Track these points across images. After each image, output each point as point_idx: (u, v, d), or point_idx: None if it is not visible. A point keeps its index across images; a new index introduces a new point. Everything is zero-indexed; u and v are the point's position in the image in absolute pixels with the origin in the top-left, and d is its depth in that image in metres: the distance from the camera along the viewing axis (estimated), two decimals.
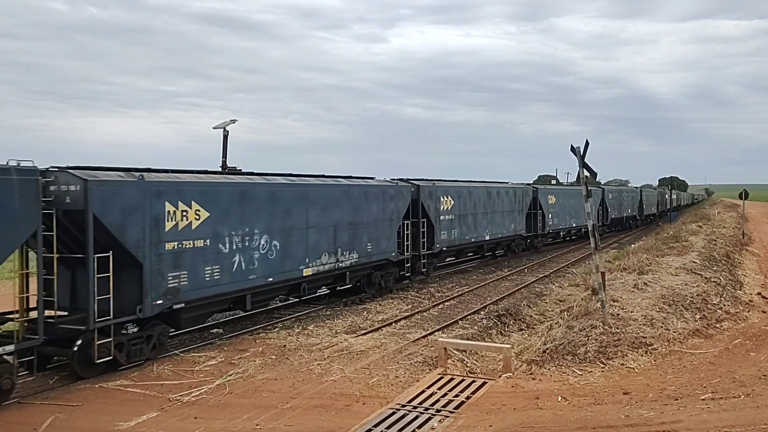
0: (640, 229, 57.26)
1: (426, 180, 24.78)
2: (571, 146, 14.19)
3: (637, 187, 72.29)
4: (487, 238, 29.20)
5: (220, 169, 18.19)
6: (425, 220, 23.65)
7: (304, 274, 17.18)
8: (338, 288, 20.19)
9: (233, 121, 20.71)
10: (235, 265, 14.76)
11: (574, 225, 41.82)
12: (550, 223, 37.17)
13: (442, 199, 24.88)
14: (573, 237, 43.68)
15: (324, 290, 20.38)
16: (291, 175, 17.61)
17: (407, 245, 22.34)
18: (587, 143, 14.14)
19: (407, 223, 22.32)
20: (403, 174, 31.96)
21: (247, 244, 15.08)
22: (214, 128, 20.51)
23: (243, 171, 17.20)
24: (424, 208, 23.59)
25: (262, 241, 15.55)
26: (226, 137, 20.22)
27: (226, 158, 20.04)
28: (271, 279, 15.85)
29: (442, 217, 24.89)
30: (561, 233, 40.85)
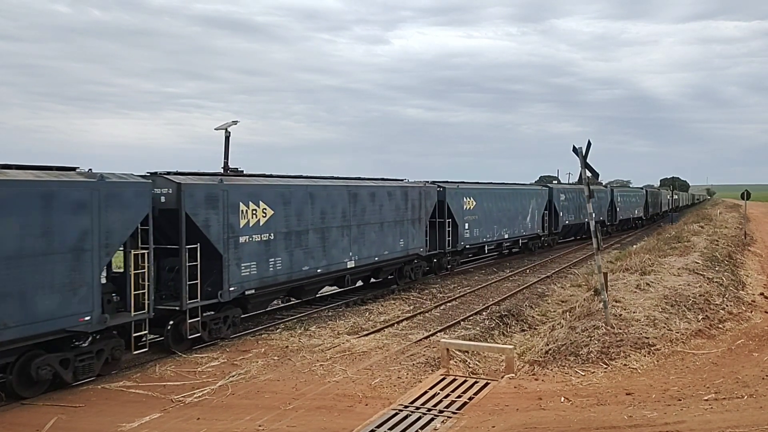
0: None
1: (201, 176, 14.52)
2: (573, 147, 14.19)
3: (605, 186, 58.36)
4: (352, 265, 19.43)
5: (221, 170, 18.20)
6: (200, 245, 13.79)
7: None
8: None
9: (235, 123, 20.72)
10: None
11: (506, 236, 31.32)
12: (468, 235, 27.21)
13: (243, 207, 15.03)
14: (512, 250, 34.31)
15: None
16: None
17: (142, 296, 12.53)
18: (589, 144, 14.14)
19: (146, 254, 12.58)
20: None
21: None
22: (215, 129, 20.52)
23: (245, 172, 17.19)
24: (196, 225, 13.77)
25: None
26: (227, 138, 20.24)
27: (227, 159, 20.07)
28: None
29: (244, 239, 15.00)
30: (486, 248, 30.35)
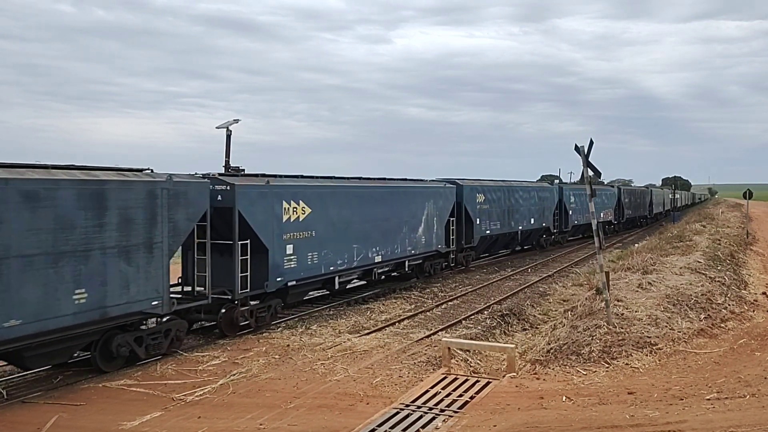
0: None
1: None
2: (576, 145, 14.16)
3: (551, 184, 42.82)
4: None
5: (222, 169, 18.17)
6: None
7: None
8: None
9: (236, 121, 20.69)
10: None
11: (378, 259, 20.28)
12: (294, 264, 16.41)
13: None
14: (406, 273, 22.88)
15: None
16: None
17: None
18: (591, 142, 14.11)
19: None
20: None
21: None
22: (217, 128, 20.51)
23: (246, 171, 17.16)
24: None
25: None
26: (229, 137, 20.22)
27: (229, 158, 20.05)
28: None
29: None
30: (338, 280, 18.76)
